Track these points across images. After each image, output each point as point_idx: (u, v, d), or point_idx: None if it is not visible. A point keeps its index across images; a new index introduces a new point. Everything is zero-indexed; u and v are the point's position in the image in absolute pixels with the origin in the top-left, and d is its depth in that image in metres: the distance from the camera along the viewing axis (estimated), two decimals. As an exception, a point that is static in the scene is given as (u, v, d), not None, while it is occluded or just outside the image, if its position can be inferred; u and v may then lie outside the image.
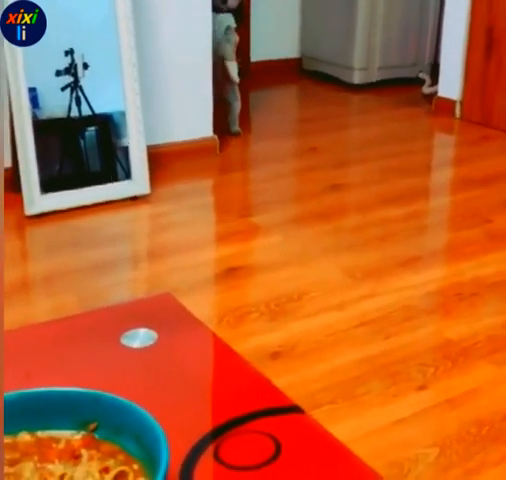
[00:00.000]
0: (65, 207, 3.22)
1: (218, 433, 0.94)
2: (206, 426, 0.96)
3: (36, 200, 3.17)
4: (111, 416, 0.86)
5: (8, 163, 3.33)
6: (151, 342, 1.14)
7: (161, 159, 3.70)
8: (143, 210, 3.34)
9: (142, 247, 3.15)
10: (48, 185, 3.24)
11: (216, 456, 0.90)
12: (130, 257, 3.04)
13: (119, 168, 3.49)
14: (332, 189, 3.62)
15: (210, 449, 0.91)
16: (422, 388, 2.08)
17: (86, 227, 3.13)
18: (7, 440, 0.84)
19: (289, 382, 2.07)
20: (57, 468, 0.80)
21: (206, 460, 0.90)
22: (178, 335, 1.16)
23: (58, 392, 0.89)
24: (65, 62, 3.32)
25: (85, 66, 3.35)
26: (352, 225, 3.24)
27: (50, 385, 1.01)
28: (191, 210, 3.31)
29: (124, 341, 1.13)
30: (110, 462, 0.81)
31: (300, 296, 2.56)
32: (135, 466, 0.82)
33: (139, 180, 3.41)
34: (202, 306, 2.50)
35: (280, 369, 2.14)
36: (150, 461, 0.81)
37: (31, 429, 0.86)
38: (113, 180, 3.44)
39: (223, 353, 1.14)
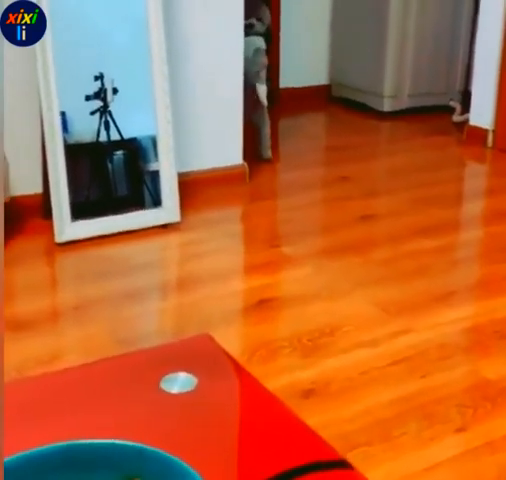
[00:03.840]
0: (95, 235, 3.20)
1: (265, 491, 0.89)
2: (252, 482, 0.90)
3: (66, 227, 3.15)
4: (155, 471, 0.81)
5: (38, 189, 3.31)
6: (191, 387, 1.09)
7: (191, 186, 3.67)
8: (173, 238, 3.31)
9: (172, 276, 3.11)
10: (77, 210, 3.23)
11: (264, 517, 0.85)
12: (160, 286, 3.00)
13: (146, 193, 3.47)
14: (362, 220, 3.58)
15: (257, 509, 0.86)
16: (460, 430, 2.02)
17: (116, 255, 3.10)
18: (46, 496, 0.80)
19: (322, 422, 2.01)
20: None
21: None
22: (218, 380, 1.11)
23: (99, 444, 0.84)
24: (95, 87, 3.32)
25: (114, 91, 3.34)
26: (383, 257, 3.19)
27: (87, 432, 0.97)
28: (221, 239, 3.27)
29: (163, 386, 1.09)
30: (154, 524, 0.76)
31: (333, 331, 2.51)
32: (180, 529, 0.77)
33: (170, 208, 3.38)
34: (233, 339, 2.46)
35: (313, 408, 2.08)
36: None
37: (71, 484, 0.81)
38: (140, 205, 3.41)
39: (266, 401, 1.09)
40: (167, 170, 3.40)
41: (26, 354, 2.32)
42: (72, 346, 2.34)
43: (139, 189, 3.51)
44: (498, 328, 2.57)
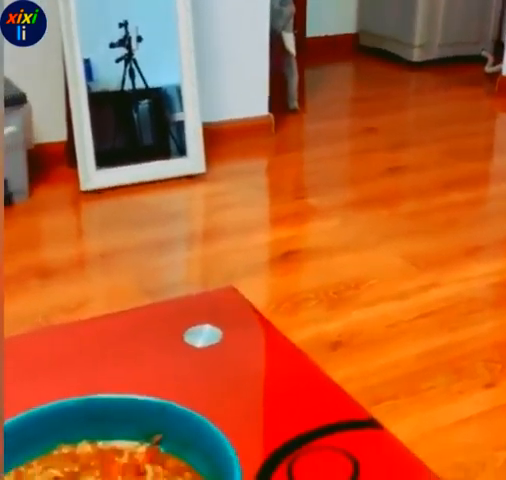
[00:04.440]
0: (120, 183, 3.18)
1: (291, 448, 0.86)
2: (277, 440, 0.87)
3: (92, 175, 3.14)
4: (177, 429, 0.78)
5: (63, 136, 3.29)
6: (216, 341, 1.06)
7: (216, 137, 3.62)
8: (198, 189, 3.27)
9: (198, 227, 3.08)
10: (102, 159, 3.21)
11: (290, 475, 0.82)
12: (186, 237, 2.98)
13: (172, 143, 3.43)
14: (390, 172, 3.52)
15: (283, 467, 0.83)
16: (489, 386, 1.99)
17: (142, 204, 3.07)
18: (66, 450, 0.78)
19: (348, 374, 2.00)
20: (120, 486, 0.72)
21: (280, 479, 0.82)
22: (244, 334, 1.08)
23: (121, 400, 0.81)
24: (119, 34, 3.26)
25: (139, 39, 3.29)
26: (411, 210, 3.13)
27: (110, 385, 0.94)
28: (247, 190, 3.23)
29: (187, 339, 1.06)
30: (177, 481, 0.74)
31: (359, 284, 2.47)
32: (204, 487, 0.74)
33: (195, 158, 3.35)
34: (258, 291, 2.43)
35: (339, 360, 2.06)
36: (220, 481, 0.73)
37: (91, 438, 0.79)
38: (166, 155, 3.38)
39: (293, 356, 1.06)
40: (192, 120, 3.36)
41: (52, 301, 2.32)
42: (98, 294, 2.33)
43: (164, 139, 3.47)
44: (529, 282, 2.52)
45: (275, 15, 4.04)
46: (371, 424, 0.92)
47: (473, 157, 3.74)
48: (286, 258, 2.65)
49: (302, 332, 2.16)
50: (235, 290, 1.21)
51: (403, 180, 3.54)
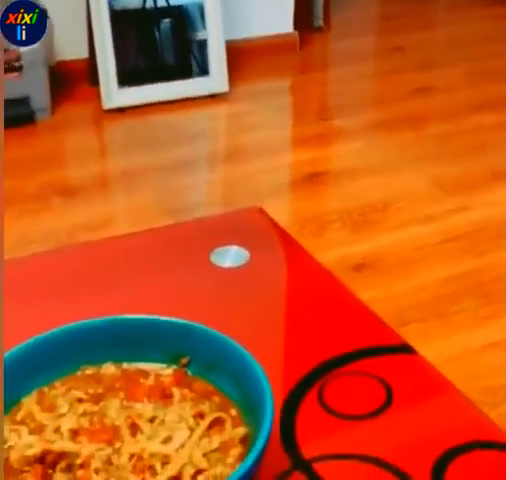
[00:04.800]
0: (143, 102, 3.14)
1: (321, 373, 0.83)
2: (307, 364, 0.85)
3: (113, 94, 3.10)
4: (205, 351, 0.76)
5: (84, 54, 3.23)
6: (243, 261, 1.03)
7: (239, 55, 3.54)
8: (221, 109, 3.21)
9: (220, 148, 3.03)
10: (126, 78, 3.17)
11: (321, 400, 0.80)
12: (208, 158, 2.93)
13: (194, 62, 3.36)
14: (418, 92, 3.43)
15: (313, 392, 0.81)
16: (517, 311, 1.96)
17: (164, 124, 3.02)
18: (90, 371, 0.75)
19: (374, 296, 1.97)
20: (146, 409, 0.70)
21: (310, 405, 0.79)
22: (271, 255, 1.05)
23: (147, 320, 0.78)
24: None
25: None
26: (440, 132, 3.06)
27: (135, 305, 0.92)
28: (270, 111, 3.16)
29: (214, 259, 1.02)
30: (205, 405, 0.71)
31: (385, 206, 2.43)
32: (232, 411, 0.72)
33: (217, 77, 3.28)
34: (282, 213, 2.39)
35: (364, 282, 2.03)
36: (249, 405, 0.71)
37: (117, 360, 0.76)
38: (188, 75, 3.31)
39: (322, 279, 1.03)
40: (215, 38, 3.28)
41: (75, 220, 2.31)
42: (120, 214, 2.31)
43: (186, 58, 3.41)
44: None
45: None
46: (403, 349, 0.89)
47: (504, 78, 3.63)
48: (310, 180, 2.60)
49: (326, 254, 2.13)
50: (261, 210, 1.17)
51: (431, 101, 3.45)
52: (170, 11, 3.33)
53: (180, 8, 3.37)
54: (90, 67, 3.22)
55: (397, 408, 0.80)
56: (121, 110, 3.08)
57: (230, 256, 1.04)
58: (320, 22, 4.19)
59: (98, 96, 3.07)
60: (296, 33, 3.83)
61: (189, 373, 0.76)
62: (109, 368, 0.76)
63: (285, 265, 1.06)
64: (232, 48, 3.44)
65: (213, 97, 3.25)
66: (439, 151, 2.88)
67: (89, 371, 0.75)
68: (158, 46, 3.39)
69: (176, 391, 0.73)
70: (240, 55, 3.56)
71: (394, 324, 1.80)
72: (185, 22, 3.40)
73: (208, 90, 3.27)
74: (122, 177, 2.62)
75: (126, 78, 3.16)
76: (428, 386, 0.85)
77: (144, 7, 3.26)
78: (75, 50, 3.27)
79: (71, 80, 3.19)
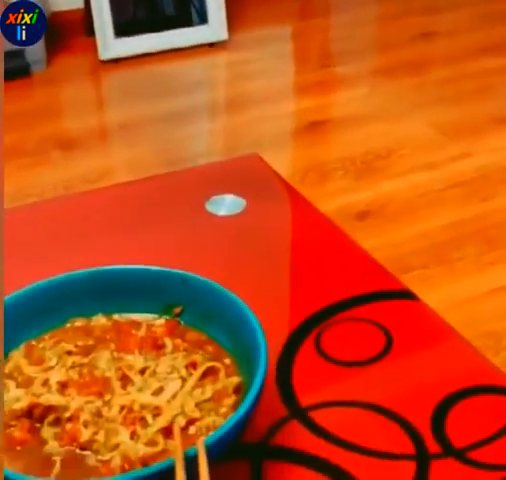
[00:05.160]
0: (140, 52, 3.09)
1: (318, 320, 0.82)
2: (305, 311, 0.83)
3: (110, 44, 3.04)
4: (198, 300, 0.74)
5: (79, 4, 3.17)
6: (239, 210, 1.01)
7: (238, 3, 3.47)
8: (221, 57, 3.15)
9: (220, 97, 2.98)
10: (123, 28, 3.11)
11: (318, 348, 0.78)
12: (208, 107, 2.89)
13: (194, 11, 3.29)
14: (422, 37, 3.37)
15: (310, 339, 0.79)
16: (521, 256, 1.94)
17: (162, 74, 2.97)
18: (80, 323, 0.74)
19: (378, 244, 1.95)
20: (137, 360, 0.69)
21: (307, 352, 0.78)
22: (269, 203, 1.03)
23: (138, 270, 0.76)
24: None
25: None
26: (444, 77, 3.00)
27: (129, 255, 0.90)
28: (271, 58, 3.11)
29: (209, 208, 1.00)
30: (197, 355, 0.70)
31: (388, 153, 2.39)
32: (226, 361, 0.70)
33: (216, 25, 3.22)
34: (284, 161, 2.36)
35: (368, 230, 2.01)
36: (243, 354, 0.69)
37: (107, 311, 0.75)
38: (188, 24, 3.25)
39: (321, 226, 1.00)
40: (213, -15, 3.21)
41: (74, 172, 2.29)
42: (119, 165, 2.28)
43: (186, 8, 3.34)
44: None
45: None
46: (404, 294, 0.88)
47: (508, 21, 3.57)
48: (313, 128, 2.57)
49: (329, 202, 2.10)
50: (260, 158, 1.15)
51: (435, 46, 3.39)
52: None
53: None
54: (86, 17, 3.16)
55: (397, 354, 0.79)
56: (118, 61, 3.02)
57: (226, 204, 1.02)
58: (321, -33, 4.10)
59: (94, 47, 3.01)
60: (296, -21, 3.75)
61: (182, 323, 0.74)
62: (100, 320, 0.74)
63: (282, 213, 1.04)
64: (231, -5, 3.39)
65: (212, 45, 3.19)
66: (443, 96, 2.83)
67: (79, 323, 0.74)
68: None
69: (168, 341, 0.71)
70: (239, 2, 3.50)
71: (397, 271, 1.79)
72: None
73: (207, 38, 3.20)
74: (120, 129, 2.58)
75: (123, 28, 3.10)
76: (429, 332, 0.83)
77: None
78: (70, 0, 3.20)
79: (66, 31, 3.13)
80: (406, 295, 0.87)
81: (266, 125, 2.56)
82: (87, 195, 1.17)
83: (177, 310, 0.75)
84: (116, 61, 3.03)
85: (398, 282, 0.90)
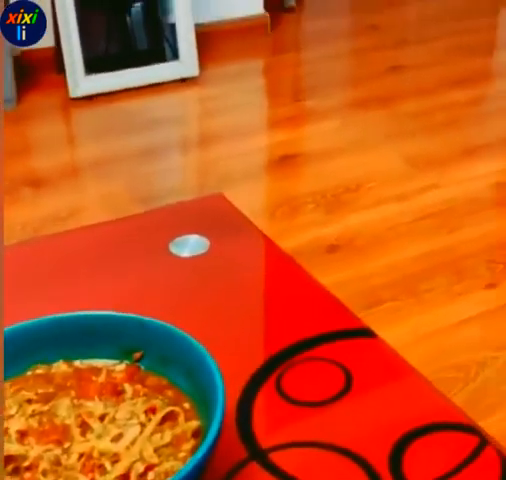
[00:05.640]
0: (111, 89, 3.10)
1: (279, 361, 0.83)
2: (265, 352, 0.84)
3: (81, 81, 3.06)
4: (157, 344, 0.75)
5: (50, 42, 3.18)
6: (203, 250, 1.02)
7: (210, 38, 3.52)
8: (192, 93, 3.18)
9: (192, 132, 3.00)
10: (94, 65, 3.13)
11: (279, 389, 0.79)
12: (180, 142, 2.91)
13: (167, 46, 3.33)
14: (392, 71, 3.42)
15: (271, 380, 0.80)
16: (490, 286, 1.96)
17: (133, 110, 2.99)
18: (41, 370, 0.74)
19: (348, 277, 1.97)
20: (97, 406, 0.69)
21: (268, 393, 0.79)
22: (232, 243, 1.04)
23: (98, 316, 0.77)
24: None
25: None
26: (413, 110, 3.05)
27: (91, 300, 0.91)
28: (242, 93, 3.15)
29: (173, 249, 1.02)
30: (157, 400, 0.71)
31: (358, 186, 2.42)
32: (186, 405, 0.71)
33: (187, 61, 3.25)
34: (255, 196, 2.38)
35: (338, 263, 2.03)
36: (202, 398, 0.70)
37: (69, 358, 0.76)
38: (161, 59, 3.29)
39: (283, 265, 1.02)
40: (184, 21, 3.25)
41: (44, 211, 2.29)
42: (90, 203, 2.28)
43: (159, 42, 3.37)
44: (531, 181, 2.47)
45: None
46: (363, 333, 0.89)
47: (476, 54, 3.63)
48: (284, 162, 2.59)
49: (299, 236, 2.13)
50: (224, 198, 1.16)
51: (404, 79, 3.44)
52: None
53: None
54: (57, 55, 3.17)
55: (356, 393, 0.80)
56: (89, 98, 3.04)
57: (189, 245, 1.03)
58: (292, 2, 4.16)
59: (65, 84, 3.02)
60: (267, 14, 3.80)
61: (142, 368, 0.75)
62: (60, 366, 0.75)
63: (246, 253, 1.05)
64: (202, 31, 3.42)
65: (184, 81, 3.22)
66: (411, 129, 2.87)
67: (40, 370, 0.74)
68: (130, 31, 3.36)
69: (128, 387, 0.72)
70: (211, 38, 3.54)
71: (367, 304, 1.82)
72: (157, 5, 3.37)
73: (178, 74, 3.23)
74: (92, 165, 2.59)
75: (94, 65, 3.11)
76: (388, 370, 0.84)
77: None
78: (41, 39, 3.21)
79: (38, 69, 3.14)
80: (366, 333, 0.89)
81: (237, 160, 2.58)
82: (49, 239, 1.17)
83: (137, 355, 0.76)
84: (87, 98, 3.04)
85: (358, 320, 0.91)
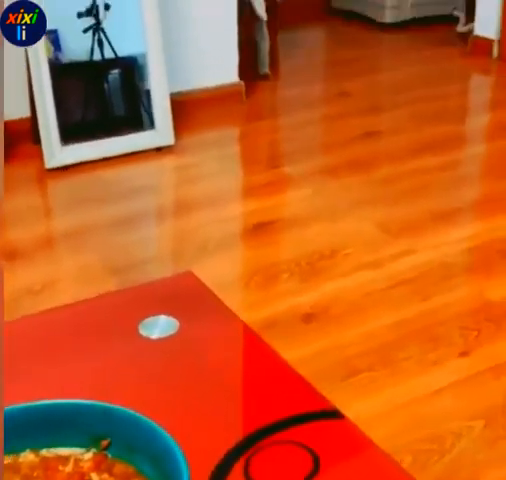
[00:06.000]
0: (87, 159, 3.11)
1: (247, 445, 0.83)
2: (234, 436, 0.84)
3: (56, 152, 3.07)
4: (124, 433, 0.75)
5: (26, 112, 3.21)
6: (172, 331, 1.03)
7: (185, 107, 3.57)
8: (168, 161, 3.22)
9: (168, 201, 3.03)
10: (70, 134, 3.14)
11: (246, 474, 0.79)
12: (155, 211, 2.93)
13: (144, 112, 3.36)
14: (365, 137, 3.48)
15: (239, 466, 0.80)
16: (464, 354, 1.97)
17: (109, 180, 3.01)
18: (8, 460, 0.74)
19: (324, 347, 1.98)
20: (64, 497, 0.69)
21: (235, 479, 0.79)
22: (202, 323, 1.05)
23: (65, 405, 0.78)
24: (86, 3, 3.19)
25: (106, 7, 3.22)
26: (386, 176, 3.09)
27: (59, 386, 0.91)
28: (218, 161, 3.18)
29: (142, 331, 1.02)
30: (124, 490, 0.71)
31: (333, 253, 2.44)
32: (152, 494, 0.71)
33: (163, 130, 3.28)
34: (231, 265, 2.40)
35: (314, 333, 2.04)
36: (169, 487, 0.70)
37: (36, 447, 0.76)
38: (138, 125, 3.32)
39: (252, 345, 1.03)
40: (159, 91, 3.29)
41: (17, 283, 2.27)
42: (65, 275, 2.28)
43: (136, 109, 3.41)
44: (502, 247, 2.50)
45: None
46: (330, 414, 0.89)
47: (447, 119, 3.71)
48: (259, 230, 2.62)
49: (275, 306, 2.14)
50: (193, 275, 1.17)
51: (377, 145, 3.50)
52: (118, 62, 3.32)
53: (129, 59, 3.36)
54: (33, 126, 3.19)
55: (324, 475, 0.80)
56: (65, 168, 3.06)
57: (159, 326, 1.04)
58: (266, 70, 4.24)
59: (41, 155, 3.04)
60: (242, 83, 3.87)
61: (110, 456, 0.75)
62: (28, 456, 0.75)
63: (214, 333, 1.06)
64: (178, 100, 3.47)
65: (159, 150, 3.26)
66: (384, 194, 2.91)
67: (7, 460, 0.74)
68: (107, 98, 3.39)
69: (95, 477, 0.72)
70: (186, 106, 3.58)
71: (343, 375, 1.82)
72: (134, 72, 3.41)
73: (154, 143, 3.26)
74: (67, 236, 2.59)
75: (71, 133, 3.13)
76: (355, 452, 0.85)
77: (91, 59, 3.25)
78: (17, 110, 3.21)
79: (14, 140, 3.15)
80: (332, 414, 0.89)
81: (213, 228, 2.60)
82: (14, 323, 1.17)
83: (104, 443, 0.76)
84: (63, 168, 3.05)
85: (326, 401, 0.92)
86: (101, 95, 3.38)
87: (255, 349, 1.02)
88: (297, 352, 1.86)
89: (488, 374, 1.90)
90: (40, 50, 3.02)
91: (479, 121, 3.85)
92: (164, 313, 1.05)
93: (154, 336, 1.02)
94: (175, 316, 1.05)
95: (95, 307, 1.10)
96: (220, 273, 2.19)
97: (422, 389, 1.85)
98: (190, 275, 1.17)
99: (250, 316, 2.03)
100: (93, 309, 1.09)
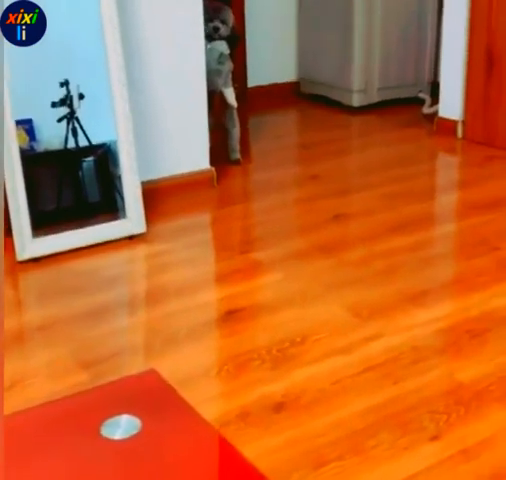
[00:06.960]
0: (58, 250, 3.13)
1: None
2: None
3: (27, 244, 3.08)
4: None
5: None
6: (134, 431, 1.04)
7: (157, 194, 3.63)
8: (139, 250, 3.24)
9: (139, 291, 3.04)
10: (44, 221, 3.17)
11: None
12: (126, 302, 2.93)
13: (118, 198, 3.41)
14: (335, 219, 3.53)
15: None
16: (435, 438, 1.97)
17: (80, 271, 3.03)
18: None
19: (294, 437, 1.98)
20: None
21: None
22: (164, 422, 1.06)
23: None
24: (61, 93, 3.27)
25: (81, 96, 3.30)
26: (356, 258, 3.13)
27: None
28: (189, 248, 3.21)
29: (105, 432, 1.03)
30: None
31: (303, 339, 2.46)
32: None
33: (134, 218, 3.32)
34: (201, 354, 2.39)
35: (284, 422, 2.03)
36: None
37: None
38: (113, 210, 3.37)
39: (213, 444, 1.04)
40: (130, 179, 3.34)
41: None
42: (35, 371, 2.25)
43: (110, 195, 3.46)
44: (471, 327, 2.53)
45: (214, 74, 4.09)
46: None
47: (416, 199, 3.78)
48: (229, 317, 2.63)
49: (246, 395, 2.13)
50: (156, 373, 1.19)
51: (347, 227, 3.56)
52: (92, 150, 3.38)
53: (102, 146, 3.42)
54: (5, 218, 3.21)
55: None
56: (36, 260, 3.07)
57: (121, 426, 1.05)
58: (237, 155, 4.32)
59: (12, 247, 3.04)
60: (212, 169, 3.94)
61: None
62: None
63: (176, 431, 1.07)
64: (150, 187, 3.53)
65: (131, 238, 3.29)
66: (355, 277, 2.94)
67: None
68: (81, 185, 3.43)
69: None
70: (158, 193, 3.64)
71: (313, 465, 1.82)
72: (108, 159, 3.45)
73: (126, 232, 3.29)
74: (38, 330, 2.58)
75: (44, 224, 3.15)
76: None
77: (66, 147, 3.31)
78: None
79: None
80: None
81: (183, 317, 2.61)
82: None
83: None
84: (34, 260, 3.06)
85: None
86: (75, 182, 3.43)
87: (216, 448, 1.03)
88: (268, 442, 1.85)
89: (459, 458, 1.90)
90: (12, 141, 3.05)
91: (447, 200, 3.93)
92: (127, 412, 1.06)
93: (116, 437, 1.03)
94: (138, 415, 1.06)
95: (59, 409, 1.11)
96: (190, 364, 2.19)
97: (393, 477, 1.84)
98: (153, 373, 1.19)
99: (222, 407, 2.03)
100: (57, 411, 1.10)
